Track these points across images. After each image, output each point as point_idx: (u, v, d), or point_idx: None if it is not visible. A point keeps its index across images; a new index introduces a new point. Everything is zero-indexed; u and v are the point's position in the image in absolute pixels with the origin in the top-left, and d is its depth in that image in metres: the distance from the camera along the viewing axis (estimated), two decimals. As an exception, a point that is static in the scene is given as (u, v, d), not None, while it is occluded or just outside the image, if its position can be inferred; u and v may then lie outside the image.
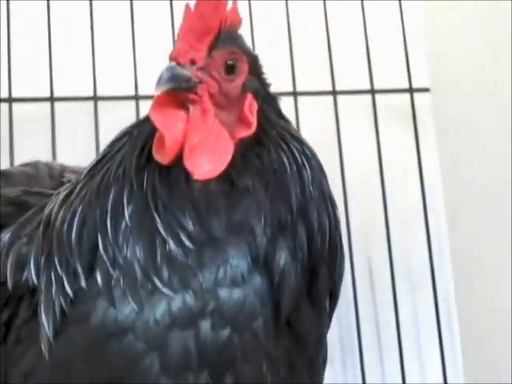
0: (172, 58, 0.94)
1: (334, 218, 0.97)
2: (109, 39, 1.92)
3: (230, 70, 0.96)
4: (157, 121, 0.93)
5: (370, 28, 2.06)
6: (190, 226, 0.90)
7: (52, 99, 1.85)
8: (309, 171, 0.94)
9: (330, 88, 2.03)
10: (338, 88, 2.04)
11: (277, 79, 1.97)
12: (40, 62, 1.88)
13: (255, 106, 0.97)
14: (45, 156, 1.41)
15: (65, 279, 0.91)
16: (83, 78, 1.85)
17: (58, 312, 0.90)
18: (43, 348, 0.89)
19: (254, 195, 0.91)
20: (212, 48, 0.95)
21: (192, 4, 0.95)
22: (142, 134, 0.97)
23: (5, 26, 1.88)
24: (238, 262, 0.89)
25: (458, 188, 2.02)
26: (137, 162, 0.94)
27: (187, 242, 0.89)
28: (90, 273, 0.90)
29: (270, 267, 0.90)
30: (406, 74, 2.07)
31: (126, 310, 0.87)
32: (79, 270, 0.91)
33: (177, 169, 0.92)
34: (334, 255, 0.97)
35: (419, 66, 2.10)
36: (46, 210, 1.00)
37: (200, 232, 0.90)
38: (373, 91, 2.05)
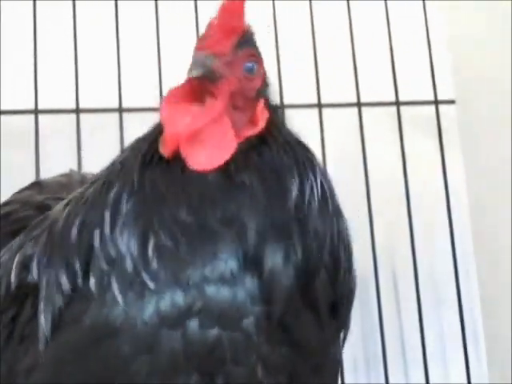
0: (199, 47, 0.95)
1: (336, 227, 0.95)
2: (134, 51, 1.94)
3: (250, 71, 0.97)
4: (164, 113, 0.95)
5: (394, 40, 2.05)
6: (182, 215, 0.90)
7: (77, 111, 1.87)
8: (311, 176, 0.94)
9: (354, 100, 2.03)
10: (362, 100, 2.04)
11: (302, 91, 2.00)
12: (65, 74, 1.89)
13: (265, 112, 0.98)
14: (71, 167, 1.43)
15: (64, 278, 0.92)
16: (108, 89, 1.86)
17: (56, 311, 0.91)
18: (40, 346, 0.90)
19: (249, 190, 0.91)
20: (237, 46, 0.96)
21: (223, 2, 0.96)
22: (150, 135, 0.99)
23: (31, 38, 1.90)
24: (227, 256, 0.88)
25: (484, 199, 2.00)
26: (142, 159, 0.95)
27: (178, 233, 0.89)
28: (86, 273, 0.91)
29: (259, 266, 0.89)
30: (431, 85, 2.07)
31: (116, 311, 0.87)
32: (77, 267, 0.91)
33: (176, 161, 0.93)
34: (336, 265, 0.95)
35: (444, 78, 2.09)
36: (53, 212, 1.02)
37: (192, 222, 0.90)
38: (398, 103, 2.05)
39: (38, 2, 1.93)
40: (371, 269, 1.94)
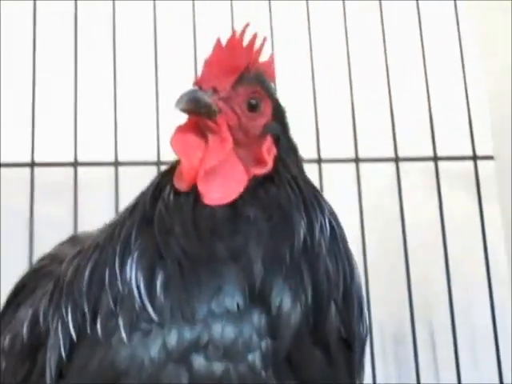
0: (195, 82, 0.96)
1: (348, 267, 0.95)
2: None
3: (253, 108, 0.98)
4: (176, 147, 0.96)
5: (433, 94, 2.05)
6: (189, 248, 0.90)
7: (116, 164, 1.88)
8: (319, 215, 0.94)
9: (392, 155, 2.02)
10: (400, 155, 2.03)
11: (339, 146, 2.00)
12: (105, 127, 1.92)
13: (273, 150, 0.98)
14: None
15: (71, 323, 0.92)
16: (147, 143, 1.88)
17: (63, 357, 0.91)
18: None
19: (254, 225, 0.92)
20: (236, 83, 0.97)
21: (223, 38, 0.98)
22: (161, 174, 1.00)
23: (72, 91, 1.93)
24: (233, 291, 0.88)
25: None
26: (153, 192, 0.97)
27: (185, 265, 0.90)
28: (94, 318, 0.91)
29: (267, 302, 0.88)
30: (469, 140, 2.06)
31: (123, 353, 0.87)
32: (85, 310, 0.91)
33: (187, 194, 0.94)
34: (348, 304, 0.95)
35: (483, 133, 2.09)
36: (64, 263, 1.02)
37: (199, 256, 0.90)
38: (436, 158, 2.04)
39: (77, 60, 1.96)
40: (408, 324, 1.91)
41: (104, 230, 1.01)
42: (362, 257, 1.89)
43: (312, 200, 0.96)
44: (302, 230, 0.92)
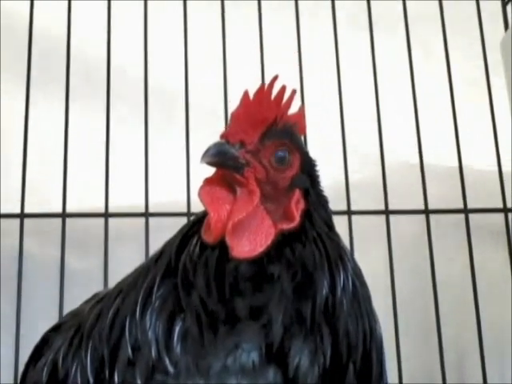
0: (222, 136, 0.96)
1: (369, 328, 0.94)
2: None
3: (281, 161, 0.98)
4: (205, 200, 0.95)
5: (463, 146, 2.05)
6: (209, 302, 0.90)
7: (146, 214, 1.89)
8: (342, 274, 0.94)
9: (421, 207, 2.02)
10: (430, 207, 2.02)
11: (369, 197, 1.99)
12: (135, 178, 1.93)
13: (301, 204, 0.98)
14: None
15: (89, 367, 0.92)
16: (177, 194, 1.88)
17: None
18: None
19: (278, 284, 0.91)
20: (264, 136, 0.97)
21: (251, 91, 0.98)
22: (188, 225, 1.00)
23: (103, 142, 1.95)
24: (250, 348, 0.88)
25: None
26: (179, 245, 0.97)
27: (204, 320, 0.89)
28: (112, 365, 0.91)
29: (284, 362, 0.88)
30: (499, 193, 2.04)
31: None
32: (105, 355, 0.91)
33: (213, 248, 0.93)
34: (367, 367, 0.93)
35: (514, 186, 2.08)
36: (87, 308, 1.03)
37: (219, 311, 0.90)
38: (466, 210, 2.03)
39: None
40: (439, 378, 1.89)
41: (129, 275, 1.01)
42: (391, 309, 1.88)
43: (336, 259, 0.95)
44: (324, 291, 0.92)
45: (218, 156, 0.94)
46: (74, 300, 1.14)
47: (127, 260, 1.01)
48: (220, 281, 0.92)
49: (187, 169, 1.80)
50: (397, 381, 1.83)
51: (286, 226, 0.96)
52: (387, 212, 1.98)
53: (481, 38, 2.15)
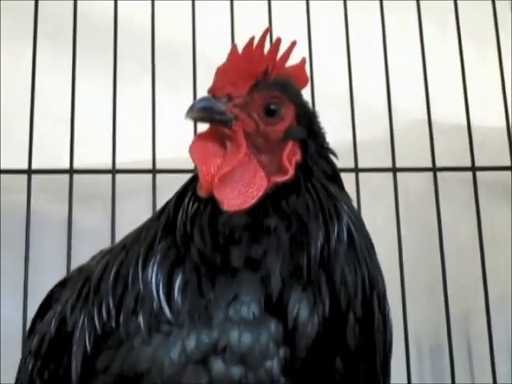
0: (208, 90, 0.96)
1: (368, 276, 0.95)
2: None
3: (271, 113, 0.98)
4: (194, 155, 0.97)
5: (471, 105, 2.04)
6: (207, 253, 0.91)
7: (154, 171, 1.89)
8: (336, 224, 0.94)
9: (429, 164, 2.01)
10: (438, 164, 2.02)
11: (376, 155, 1.99)
12: (143, 134, 1.93)
13: (296, 157, 0.98)
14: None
15: (96, 317, 0.94)
16: (184, 151, 1.88)
17: (87, 352, 0.93)
18: None
19: (275, 236, 0.92)
20: (252, 89, 0.97)
21: (240, 45, 0.98)
22: (186, 182, 1.01)
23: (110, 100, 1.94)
24: (250, 300, 0.89)
25: None
26: (176, 199, 0.98)
27: (203, 269, 0.91)
28: (118, 316, 0.92)
29: (284, 313, 0.89)
30: (507, 150, 2.04)
31: (144, 354, 0.88)
32: (111, 306, 0.93)
33: (207, 201, 0.94)
34: (369, 315, 0.94)
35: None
36: (91, 263, 1.05)
37: (217, 260, 0.91)
38: (474, 168, 2.02)
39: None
40: (445, 335, 1.90)
41: (134, 231, 1.03)
42: (398, 267, 1.88)
43: (331, 209, 0.95)
44: (319, 241, 0.92)
45: (204, 111, 0.95)
46: (82, 256, 1.14)
47: (134, 216, 1.02)
48: (213, 232, 0.93)
49: (194, 125, 1.79)
50: (402, 337, 1.84)
51: (279, 179, 0.97)
52: (394, 169, 1.98)
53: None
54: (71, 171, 1.89)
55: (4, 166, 1.90)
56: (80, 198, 1.90)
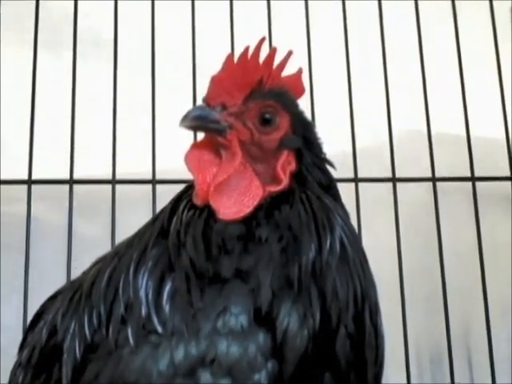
0: (203, 99, 0.97)
1: (360, 289, 0.94)
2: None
3: (266, 122, 0.98)
4: (190, 163, 0.97)
5: (471, 115, 2.04)
6: (197, 262, 0.91)
7: (154, 181, 1.89)
8: (328, 236, 0.93)
9: (429, 174, 2.01)
10: (437, 175, 2.02)
11: (376, 165, 1.99)
12: (143, 144, 1.93)
13: (291, 166, 0.98)
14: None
15: (86, 325, 0.93)
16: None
17: (77, 360, 0.92)
18: None
19: (266, 247, 0.91)
20: (247, 98, 0.97)
21: (236, 54, 0.98)
22: (182, 190, 1.01)
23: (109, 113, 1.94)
24: (239, 311, 0.88)
25: None
26: (171, 208, 0.98)
27: (193, 279, 0.90)
28: (108, 324, 0.92)
29: (274, 324, 0.88)
30: (507, 161, 2.04)
31: (132, 365, 0.87)
32: (101, 313, 0.92)
33: (202, 209, 0.95)
34: (360, 329, 0.93)
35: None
36: (84, 273, 1.04)
37: (207, 271, 0.90)
38: (473, 178, 2.02)
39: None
40: (445, 345, 1.89)
41: (127, 239, 1.03)
42: (398, 277, 1.88)
43: (323, 220, 0.95)
44: (310, 253, 0.92)
45: (198, 119, 0.95)
46: (82, 266, 1.14)
47: (134, 226, 1.02)
48: (208, 241, 0.93)
49: (194, 135, 1.80)
50: (402, 348, 1.84)
51: (273, 188, 0.97)
52: (394, 179, 1.98)
53: (490, 5, 2.14)
54: (71, 181, 1.89)
55: (4, 177, 1.90)
56: (80, 208, 1.90)
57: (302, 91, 1.06)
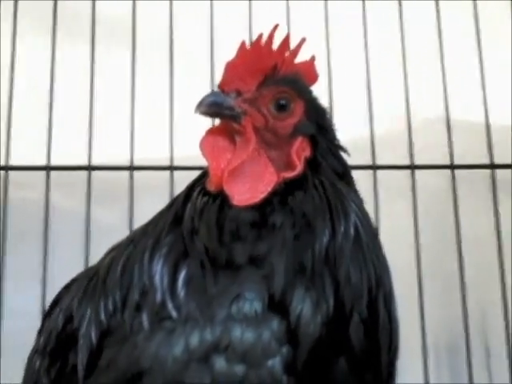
0: (218, 85, 0.97)
1: (374, 275, 0.94)
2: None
3: (281, 108, 0.98)
4: (204, 150, 0.97)
5: (490, 101, 2.03)
6: (211, 248, 0.91)
7: (171, 168, 1.89)
8: (342, 222, 0.93)
9: (448, 162, 2.00)
10: (456, 162, 2.01)
11: (395, 152, 1.98)
12: (161, 131, 1.93)
13: (305, 152, 0.98)
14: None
15: (102, 312, 0.94)
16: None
17: (93, 346, 0.93)
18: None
19: (280, 233, 0.91)
20: (261, 84, 0.97)
21: (248, 42, 0.98)
22: (197, 177, 1.01)
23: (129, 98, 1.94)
24: (253, 297, 0.88)
25: None
26: (185, 193, 0.98)
27: (207, 265, 0.90)
28: (124, 310, 0.92)
29: (287, 310, 0.88)
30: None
31: (147, 351, 0.88)
32: (117, 300, 0.93)
33: (215, 196, 0.94)
34: (374, 315, 0.93)
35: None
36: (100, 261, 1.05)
37: (221, 257, 0.90)
38: (492, 166, 2.01)
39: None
40: (462, 334, 1.89)
41: (142, 226, 1.03)
42: (415, 265, 1.88)
43: (337, 206, 0.94)
44: (324, 239, 0.92)
45: (212, 106, 0.95)
46: (100, 252, 1.15)
47: (152, 213, 1.02)
48: (220, 227, 0.93)
49: (212, 121, 1.80)
50: (420, 337, 1.83)
51: (288, 175, 0.97)
52: (413, 167, 1.97)
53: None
54: (89, 168, 1.89)
55: (22, 163, 1.91)
56: (98, 194, 1.91)
57: (315, 78, 1.05)
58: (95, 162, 1.90)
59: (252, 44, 0.98)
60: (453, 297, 1.93)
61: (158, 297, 0.90)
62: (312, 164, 0.98)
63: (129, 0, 2.03)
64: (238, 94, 0.96)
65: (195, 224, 0.94)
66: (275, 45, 0.99)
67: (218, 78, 0.99)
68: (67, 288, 1.09)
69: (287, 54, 1.00)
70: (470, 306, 1.90)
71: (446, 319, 1.99)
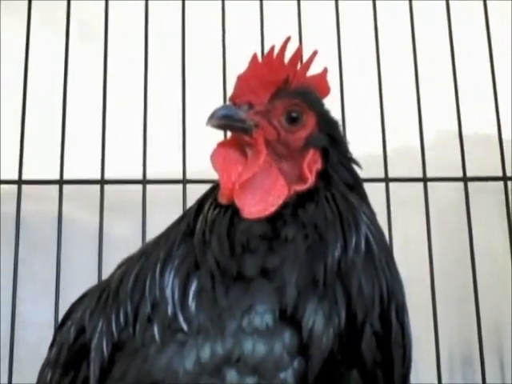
0: (230, 98, 0.97)
1: (386, 287, 0.93)
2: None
3: (293, 120, 0.98)
4: (216, 162, 0.97)
5: (502, 114, 2.03)
6: (224, 261, 0.91)
7: (184, 181, 1.89)
8: (354, 235, 0.93)
9: (460, 174, 2.00)
10: (468, 174, 2.01)
11: (407, 165, 1.98)
12: (173, 145, 1.93)
13: (318, 164, 0.98)
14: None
15: (114, 324, 0.94)
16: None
17: (105, 359, 0.93)
18: None
19: (292, 246, 0.91)
20: (273, 97, 0.97)
21: (260, 54, 0.98)
22: (208, 189, 1.02)
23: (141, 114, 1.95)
24: (264, 310, 0.88)
25: None
26: (197, 207, 0.98)
27: (218, 277, 0.90)
28: (135, 323, 0.92)
29: (299, 323, 0.88)
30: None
31: (159, 364, 0.88)
32: (128, 312, 0.93)
33: (227, 208, 0.95)
34: (386, 327, 0.93)
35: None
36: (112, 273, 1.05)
37: (232, 269, 0.90)
38: (505, 178, 2.01)
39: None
40: (476, 346, 1.88)
41: (154, 238, 1.03)
42: (429, 277, 1.87)
43: (349, 219, 0.94)
44: (336, 251, 0.91)
45: (223, 118, 0.95)
46: (112, 265, 1.15)
47: (164, 226, 1.03)
48: (231, 239, 0.93)
49: (225, 135, 1.80)
50: (434, 348, 1.83)
51: (299, 187, 0.97)
52: (425, 179, 1.97)
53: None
54: (102, 182, 1.90)
55: (35, 177, 1.92)
56: (111, 208, 1.91)
57: (327, 91, 1.05)
58: (108, 175, 1.90)
59: (264, 56, 0.98)
60: (466, 309, 1.92)
61: (169, 309, 0.91)
62: (323, 176, 0.98)
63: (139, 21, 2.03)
64: (250, 106, 0.96)
65: (206, 236, 0.94)
66: (287, 57, 0.99)
67: (231, 91, 0.99)
68: (79, 302, 1.10)
69: (299, 66, 1.01)
70: (483, 318, 1.90)
71: (460, 331, 1.98)
